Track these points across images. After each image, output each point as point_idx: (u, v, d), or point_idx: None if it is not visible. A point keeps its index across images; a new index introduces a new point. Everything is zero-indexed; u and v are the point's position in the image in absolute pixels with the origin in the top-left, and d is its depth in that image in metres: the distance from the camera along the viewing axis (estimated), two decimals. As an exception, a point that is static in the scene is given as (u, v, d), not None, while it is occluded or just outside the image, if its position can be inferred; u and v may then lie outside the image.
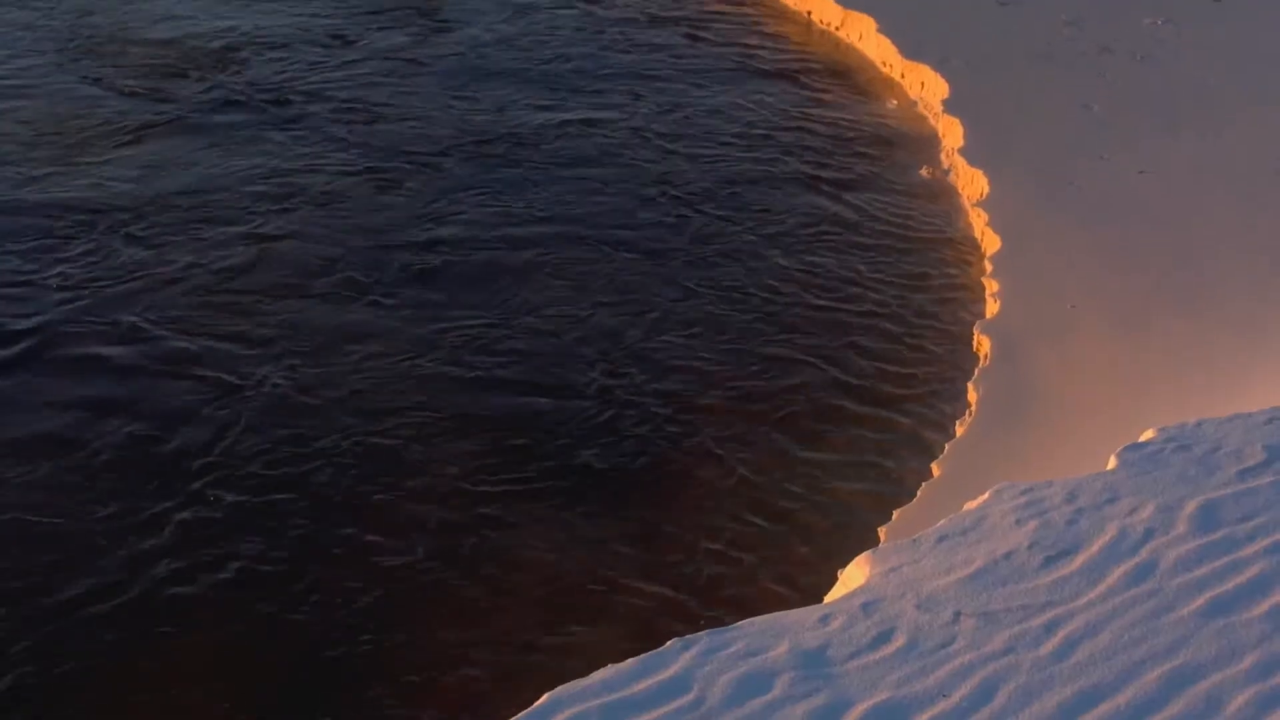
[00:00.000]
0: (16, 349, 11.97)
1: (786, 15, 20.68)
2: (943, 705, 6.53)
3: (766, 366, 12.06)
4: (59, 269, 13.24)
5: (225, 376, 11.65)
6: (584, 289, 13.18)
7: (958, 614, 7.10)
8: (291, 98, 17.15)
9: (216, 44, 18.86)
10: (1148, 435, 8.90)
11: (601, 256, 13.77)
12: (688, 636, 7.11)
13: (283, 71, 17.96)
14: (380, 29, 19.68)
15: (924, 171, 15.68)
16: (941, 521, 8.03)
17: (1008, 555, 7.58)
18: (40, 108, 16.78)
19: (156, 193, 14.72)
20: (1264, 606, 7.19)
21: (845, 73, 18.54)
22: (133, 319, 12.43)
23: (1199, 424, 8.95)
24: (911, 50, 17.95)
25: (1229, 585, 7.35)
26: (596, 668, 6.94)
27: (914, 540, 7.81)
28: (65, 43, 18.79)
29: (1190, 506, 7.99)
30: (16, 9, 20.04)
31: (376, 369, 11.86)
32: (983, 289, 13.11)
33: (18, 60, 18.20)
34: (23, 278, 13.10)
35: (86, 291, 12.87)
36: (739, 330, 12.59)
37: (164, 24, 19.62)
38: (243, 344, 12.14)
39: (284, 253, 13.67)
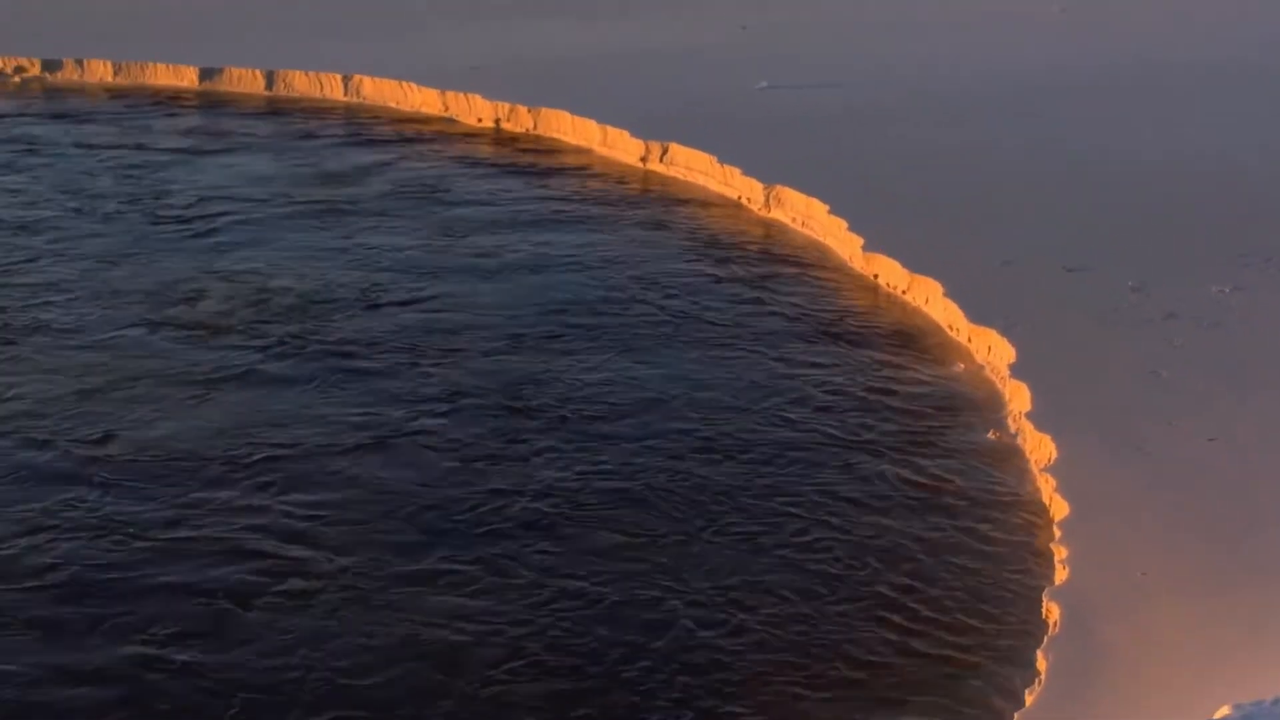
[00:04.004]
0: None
1: (853, 278, 20.97)
2: None
3: (831, 630, 11.94)
4: (115, 515, 13.48)
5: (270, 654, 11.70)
6: (634, 548, 13.21)
7: None
8: (350, 348, 17.53)
9: (280, 294, 19.39)
10: (1223, 712, 8.72)
11: (657, 517, 13.79)
12: None
13: (339, 321, 18.40)
14: (434, 276, 20.26)
15: (991, 435, 15.69)
16: (1013, 799, 7.85)
17: (1079, 835, 7.38)
18: (99, 357, 17.25)
19: (222, 442, 15.01)
20: None
21: (912, 336, 18.70)
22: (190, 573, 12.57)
23: (1275, 701, 8.76)
24: (978, 314, 18.10)
25: None
26: None
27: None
28: (123, 293, 19.37)
29: (1268, 787, 7.77)
30: (76, 262, 20.73)
31: (437, 615, 11.87)
32: (1051, 555, 12.99)
33: (80, 308, 18.78)
34: (102, 518, 13.32)
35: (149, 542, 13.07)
36: (800, 593, 12.51)
37: (222, 274, 20.25)
38: (301, 602, 12.22)
39: (349, 503, 13.85)
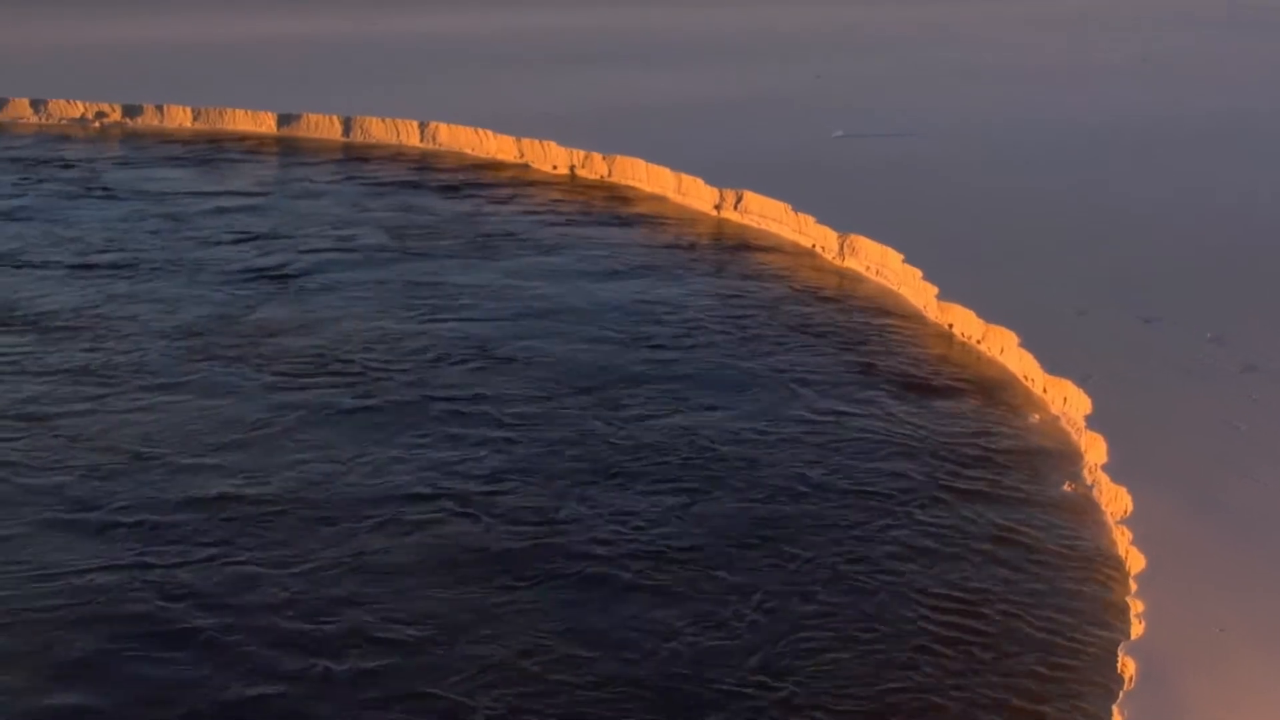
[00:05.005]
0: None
1: (928, 327, 20.89)
2: None
3: (902, 680, 11.83)
4: (207, 563, 13.59)
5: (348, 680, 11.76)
6: (708, 601, 13.15)
7: None
8: (446, 391, 17.65)
9: (366, 336, 19.57)
10: (1303, 771, 8.55)
11: (722, 571, 13.72)
12: None
13: (426, 375, 18.51)
14: (510, 321, 20.36)
15: (1066, 487, 15.53)
16: None
17: None
18: (193, 403, 17.42)
19: (301, 487, 15.12)
20: None
21: (987, 386, 18.58)
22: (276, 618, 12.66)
23: (1359, 760, 8.59)
24: (1054, 365, 17.96)
25: None
26: None
27: None
28: (220, 343, 19.60)
29: None
30: (159, 305, 21.02)
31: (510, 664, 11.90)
32: (1127, 609, 12.82)
33: (173, 359, 19.01)
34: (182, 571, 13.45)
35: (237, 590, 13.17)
36: (873, 638, 12.40)
37: (316, 326, 20.42)
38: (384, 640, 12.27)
39: (426, 547, 13.90)
